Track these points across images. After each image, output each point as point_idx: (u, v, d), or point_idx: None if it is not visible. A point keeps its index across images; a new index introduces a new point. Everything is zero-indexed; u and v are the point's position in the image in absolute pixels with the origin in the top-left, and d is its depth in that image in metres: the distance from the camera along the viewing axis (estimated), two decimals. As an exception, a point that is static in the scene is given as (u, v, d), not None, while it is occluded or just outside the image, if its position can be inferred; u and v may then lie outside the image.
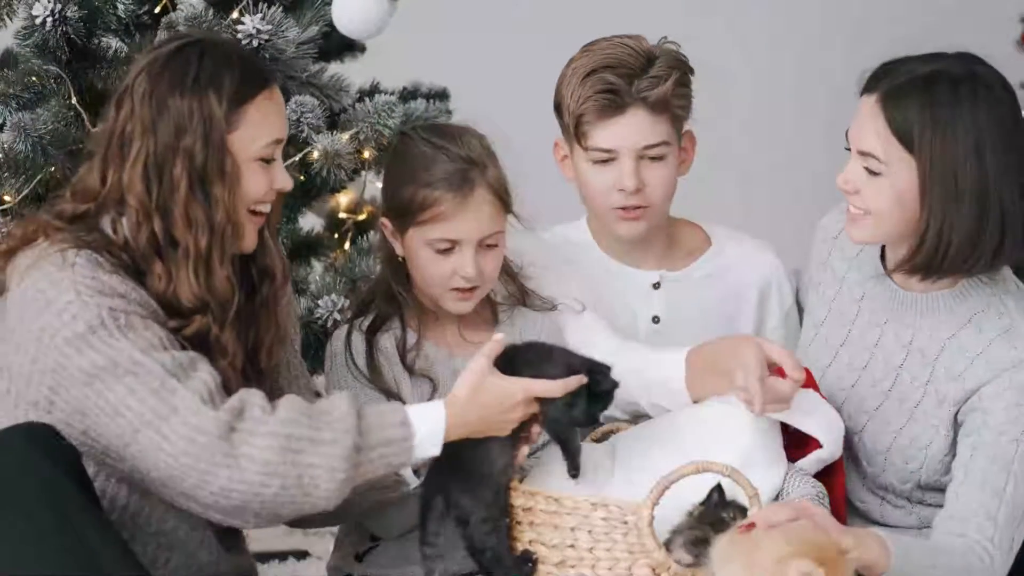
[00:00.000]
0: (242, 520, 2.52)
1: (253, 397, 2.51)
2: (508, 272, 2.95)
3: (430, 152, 2.83)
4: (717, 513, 2.55)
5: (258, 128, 2.63)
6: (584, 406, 2.66)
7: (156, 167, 2.57)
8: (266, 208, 2.68)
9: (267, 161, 2.65)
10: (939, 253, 2.72)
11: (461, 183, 2.80)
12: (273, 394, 2.58)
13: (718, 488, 2.56)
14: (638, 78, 2.98)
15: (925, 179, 2.70)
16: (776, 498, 2.72)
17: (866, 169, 2.75)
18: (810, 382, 2.86)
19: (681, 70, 3.03)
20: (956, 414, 2.79)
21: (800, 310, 3.19)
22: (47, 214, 2.64)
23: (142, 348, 2.49)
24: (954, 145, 2.68)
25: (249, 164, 2.63)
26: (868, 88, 2.77)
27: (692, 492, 2.57)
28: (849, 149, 2.79)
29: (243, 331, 2.68)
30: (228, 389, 2.54)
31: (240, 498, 2.46)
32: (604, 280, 3.11)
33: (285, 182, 2.69)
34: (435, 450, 2.57)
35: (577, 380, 2.64)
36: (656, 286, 3.14)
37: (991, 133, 2.69)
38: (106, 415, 2.47)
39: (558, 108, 3.06)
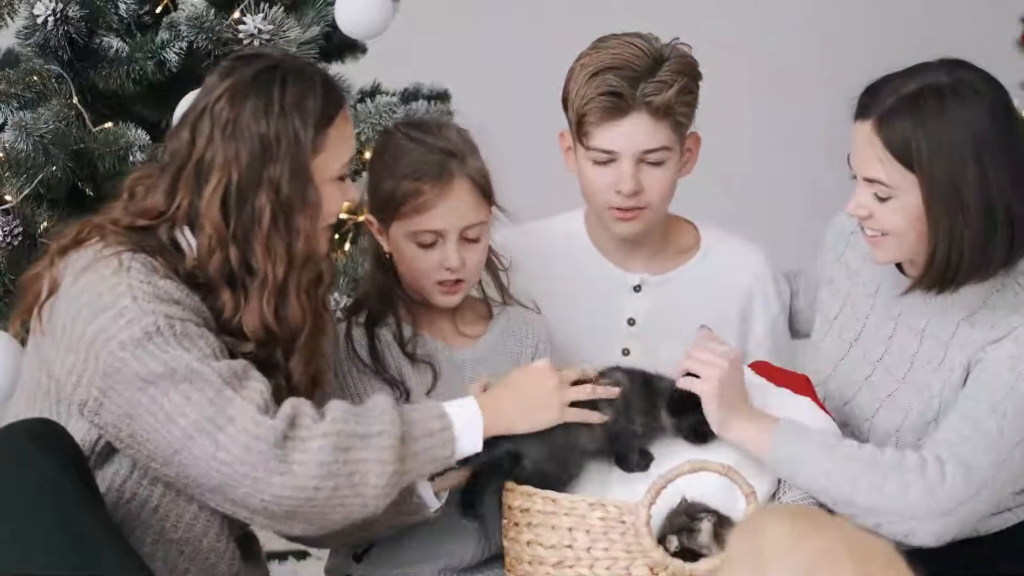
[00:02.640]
0: (289, 527, 2.52)
1: (303, 405, 2.51)
2: (492, 269, 2.97)
3: (409, 145, 2.86)
4: (683, 519, 2.57)
5: (338, 150, 2.63)
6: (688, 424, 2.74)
7: (238, 197, 2.55)
8: (335, 219, 2.70)
9: (342, 179, 2.66)
10: (951, 267, 2.71)
11: (440, 173, 2.82)
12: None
13: (684, 501, 2.58)
14: (643, 81, 2.96)
15: (929, 195, 2.68)
16: (772, 497, 2.73)
17: (875, 195, 2.74)
18: (807, 390, 2.86)
19: (688, 76, 3.01)
20: (965, 378, 2.77)
21: (792, 314, 3.19)
22: (100, 218, 2.62)
23: (198, 356, 2.48)
24: (951, 156, 2.67)
25: (327, 185, 2.62)
26: (860, 114, 2.75)
27: (689, 491, 2.58)
28: (854, 177, 2.77)
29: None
30: (276, 398, 2.54)
31: (292, 504, 2.47)
32: (585, 277, 3.12)
33: (354, 193, 2.72)
34: (476, 445, 2.60)
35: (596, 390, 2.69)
36: (637, 289, 3.15)
37: (986, 136, 2.67)
38: (158, 421, 2.47)
39: (565, 102, 3.06)
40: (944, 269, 2.71)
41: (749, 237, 3.23)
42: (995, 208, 2.68)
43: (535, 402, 2.66)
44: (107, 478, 2.57)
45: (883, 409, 2.86)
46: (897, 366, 2.86)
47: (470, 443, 2.59)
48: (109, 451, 2.56)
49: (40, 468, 2.39)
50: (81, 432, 2.52)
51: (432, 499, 2.72)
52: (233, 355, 2.55)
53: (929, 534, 2.66)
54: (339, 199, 2.66)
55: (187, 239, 2.60)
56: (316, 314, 2.65)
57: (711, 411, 2.70)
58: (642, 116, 2.98)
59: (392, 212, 2.85)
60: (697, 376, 2.72)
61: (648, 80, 2.97)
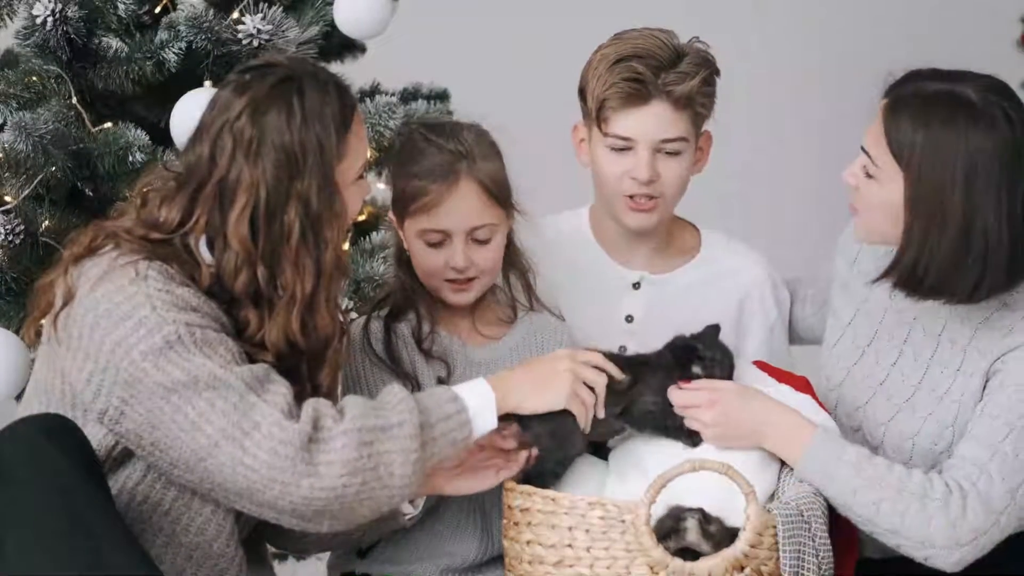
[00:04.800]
0: (316, 524, 2.53)
1: (322, 406, 2.53)
2: (520, 270, 2.98)
3: (422, 145, 2.89)
4: (669, 523, 2.57)
5: (356, 153, 2.64)
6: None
7: (266, 216, 2.55)
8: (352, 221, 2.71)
9: (358, 180, 2.67)
10: (917, 275, 2.70)
11: (447, 174, 2.84)
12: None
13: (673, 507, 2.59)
14: (665, 71, 2.99)
15: (911, 197, 2.69)
16: (771, 497, 2.73)
17: (864, 168, 2.76)
18: (807, 391, 2.86)
19: (709, 69, 3.04)
20: (985, 385, 2.77)
21: (793, 321, 3.19)
22: (113, 225, 2.62)
23: (220, 363, 2.49)
24: (942, 170, 2.66)
25: (349, 189, 2.63)
26: (887, 91, 2.76)
27: (688, 491, 2.58)
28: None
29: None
30: (298, 400, 2.55)
31: (321, 503, 2.48)
32: (586, 271, 3.14)
33: (368, 191, 2.74)
34: (491, 422, 2.61)
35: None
36: (636, 286, 3.15)
37: (981, 167, 2.65)
38: (182, 429, 2.47)
39: (582, 92, 3.08)
40: (910, 274, 2.71)
41: (752, 242, 3.24)
42: (973, 236, 2.66)
43: (544, 382, 2.67)
44: (120, 480, 2.57)
45: (900, 414, 2.86)
46: (912, 370, 2.86)
47: (485, 422, 2.61)
48: (124, 456, 2.57)
49: (52, 465, 2.40)
50: (97, 438, 2.53)
51: (407, 506, 2.77)
52: (252, 361, 2.56)
53: (947, 563, 2.68)
54: (359, 200, 2.68)
55: (203, 251, 2.60)
56: (342, 321, 2.67)
57: (735, 448, 2.72)
58: (663, 105, 3.00)
59: (404, 210, 2.89)
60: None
61: (670, 70, 3.00)
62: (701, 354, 2.77)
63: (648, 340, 2.89)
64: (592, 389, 2.69)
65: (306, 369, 2.62)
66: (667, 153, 3.03)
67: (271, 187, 2.54)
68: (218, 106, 2.61)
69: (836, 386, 2.95)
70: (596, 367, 2.71)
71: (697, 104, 3.03)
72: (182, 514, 2.60)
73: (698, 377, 2.76)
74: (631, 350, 3.06)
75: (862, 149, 2.77)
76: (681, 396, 2.74)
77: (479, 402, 2.61)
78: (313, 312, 2.59)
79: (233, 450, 2.46)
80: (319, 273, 2.58)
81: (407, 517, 2.79)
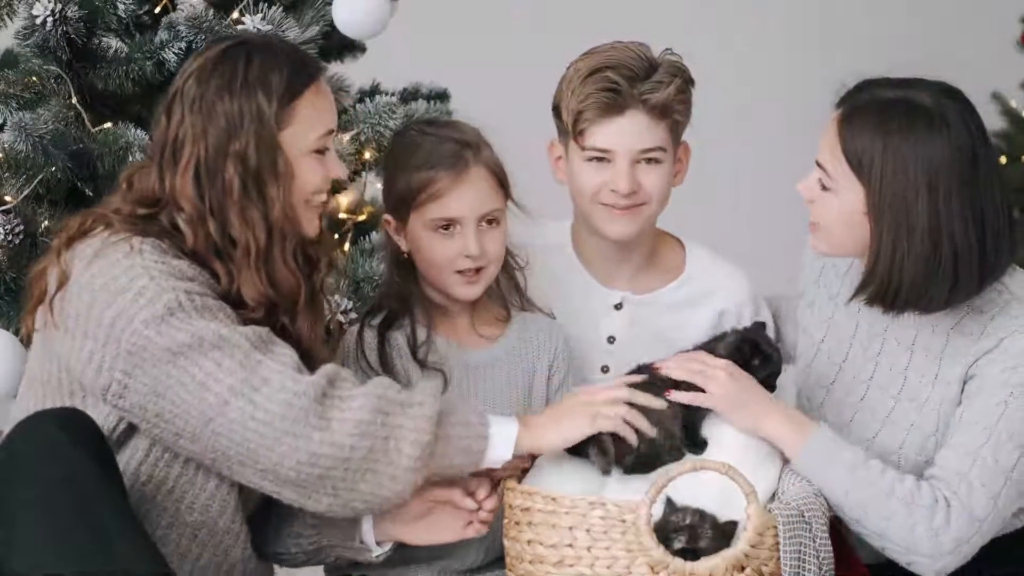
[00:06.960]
0: (315, 501, 2.53)
1: (342, 371, 2.57)
2: (507, 269, 2.97)
3: (422, 138, 2.89)
4: (668, 525, 2.56)
5: (309, 123, 2.65)
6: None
7: (208, 172, 2.60)
8: (324, 197, 2.72)
9: (320, 152, 2.68)
10: (892, 287, 2.69)
11: (456, 161, 2.85)
12: None
13: (668, 502, 2.58)
14: (640, 81, 2.97)
15: (875, 208, 2.68)
16: (772, 497, 2.73)
17: (820, 181, 2.75)
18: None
19: (683, 78, 3.02)
20: (962, 390, 2.77)
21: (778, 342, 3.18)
22: (102, 209, 2.66)
23: (223, 324, 2.52)
24: (904, 178, 2.65)
25: (303, 159, 2.65)
26: (839, 102, 2.76)
27: (688, 491, 2.59)
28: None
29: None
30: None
31: (327, 463, 2.49)
32: (567, 291, 3.11)
33: (340, 171, 2.73)
34: (507, 453, 2.63)
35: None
36: (618, 307, 3.13)
37: (945, 171, 2.64)
38: (189, 392, 2.49)
39: (556, 108, 3.05)
40: (886, 287, 2.70)
41: (736, 259, 3.20)
42: (941, 242, 2.65)
43: (561, 415, 2.69)
44: (122, 461, 2.59)
45: (884, 429, 2.85)
46: (889, 382, 2.86)
47: (502, 449, 2.63)
48: (126, 436, 2.59)
49: (67, 459, 2.41)
50: (98, 420, 2.54)
51: (373, 545, 2.77)
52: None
53: (930, 571, 2.70)
54: (318, 174, 2.68)
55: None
56: (309, 280, 2.69)
57: (735, 419, 2.72)
58: (639, 114, 2.98)
59: (408, 205, 2.87)
60: (701, 389, 2.73)
61: (645, 80, 2.98)
62: (762, 349, 2.77)
63: (629, 361, 2.86)
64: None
65: (290, 326, 2.65)
66: (647, 162, 3.00)
67: (210, 144, 2.60)
68: (178, 74, 2.69)
69: (818, 406, 2.94)
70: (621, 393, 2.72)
71: (674, 112, 3.00)
72: (186, 492, 2.62)
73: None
74: (614, 371, 3.05)
75: (816, 163, 2.76)
76: (709, 356, 2.74)
77: (503, 429, 2.63)
78: (272, 265, 2.62)
79: (243, 405, 2.48)
80: (270, 229, 2.61)
81: (375, 555, 2.79)
